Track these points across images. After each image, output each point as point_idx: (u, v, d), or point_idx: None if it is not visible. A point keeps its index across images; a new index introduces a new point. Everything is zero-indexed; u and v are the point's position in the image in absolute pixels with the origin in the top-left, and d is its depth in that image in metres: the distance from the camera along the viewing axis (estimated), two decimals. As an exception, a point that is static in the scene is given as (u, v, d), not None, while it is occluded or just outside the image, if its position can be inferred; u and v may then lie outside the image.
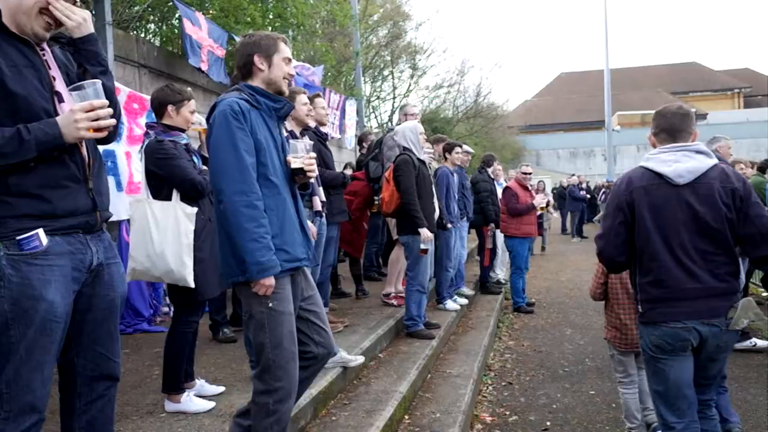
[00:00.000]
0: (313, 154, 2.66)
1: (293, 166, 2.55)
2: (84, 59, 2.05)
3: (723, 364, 2.76)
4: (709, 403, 2.79)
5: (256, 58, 2.53)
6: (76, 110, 1.86)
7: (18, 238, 1.83)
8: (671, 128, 2.65)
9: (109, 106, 1.92)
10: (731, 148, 5.63)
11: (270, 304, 2.39)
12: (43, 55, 1.98)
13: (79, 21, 1.99)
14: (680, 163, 2.57)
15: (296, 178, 2.60)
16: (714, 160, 2.60)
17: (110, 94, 1.98)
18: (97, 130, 1.90)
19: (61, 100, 1.96)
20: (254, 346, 2.47)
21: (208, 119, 2.53)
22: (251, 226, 2.30)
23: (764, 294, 7.40)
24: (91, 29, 2.04)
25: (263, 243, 2.31)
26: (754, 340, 5.60)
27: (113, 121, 1.94)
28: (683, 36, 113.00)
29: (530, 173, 8.08)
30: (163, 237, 3.13)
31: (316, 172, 2.72)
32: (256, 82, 2.56)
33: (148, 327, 5.12)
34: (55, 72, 1.99)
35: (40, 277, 1.85)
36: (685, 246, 2.55)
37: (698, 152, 2.60)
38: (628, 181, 2.67)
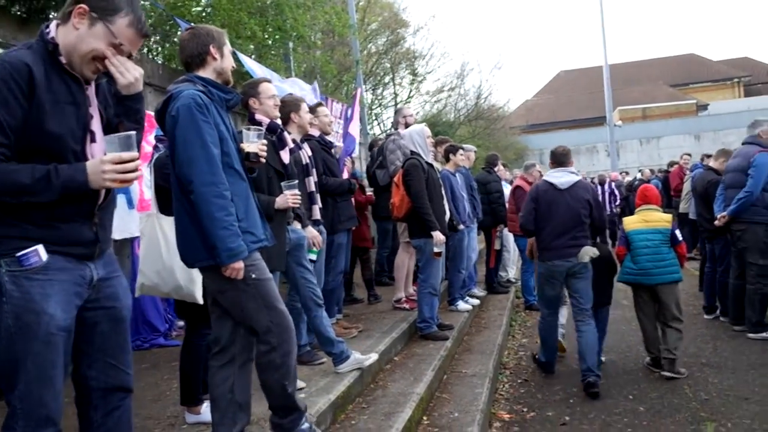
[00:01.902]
0: (264, 141, 2.83)
1: (249, 150, 2.70)
2: (124, 113, 2.07)
3: (585, 284, 4.78)
4: (587, 313, 4.80)
5: (212, 48, 2.63)
6: (106, 161, 1.89)
7: (18, 255, 1.85)
8: (558, 161, 4.93)
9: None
10: None
11: (253, 276, 2.57)
12: (87, 89, 2.00)
13: (131, 81, 2.02)
14: (563, 178, 4.78)
15: (248, 162, 2.73)
16: (578, 177, 4.88)
17: (138, 145, 1.99)
18: (122, 182, 1.93)
19: (93, 140, 1.99)
20: (248, 319, 2.63)
21: (162, 111, 2.54)
22: (221, 215, 2.43)
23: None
24: (140, 88, 2.06)
25: (233, 230, 2.46)
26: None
27: (138, 174, 1.96)
28: (680, 28, 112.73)
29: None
30: (172, 252, 3.05)
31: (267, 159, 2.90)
32: (207, 73, 2.64)
33: (165, 341, 5.15)
34: (93, 110, 2.02)
35: (41, 291, 1.87)
36: (561, 223, 4.70)
37: (571, 173, 4.84)
38: (536, 187, 4.96)
